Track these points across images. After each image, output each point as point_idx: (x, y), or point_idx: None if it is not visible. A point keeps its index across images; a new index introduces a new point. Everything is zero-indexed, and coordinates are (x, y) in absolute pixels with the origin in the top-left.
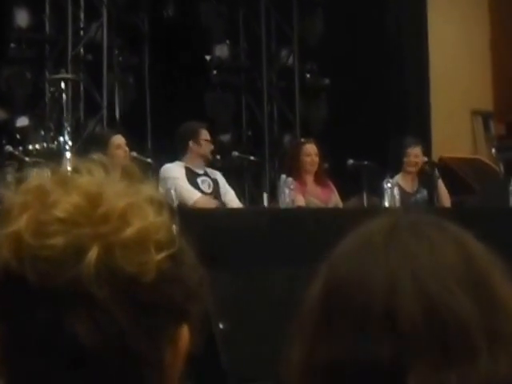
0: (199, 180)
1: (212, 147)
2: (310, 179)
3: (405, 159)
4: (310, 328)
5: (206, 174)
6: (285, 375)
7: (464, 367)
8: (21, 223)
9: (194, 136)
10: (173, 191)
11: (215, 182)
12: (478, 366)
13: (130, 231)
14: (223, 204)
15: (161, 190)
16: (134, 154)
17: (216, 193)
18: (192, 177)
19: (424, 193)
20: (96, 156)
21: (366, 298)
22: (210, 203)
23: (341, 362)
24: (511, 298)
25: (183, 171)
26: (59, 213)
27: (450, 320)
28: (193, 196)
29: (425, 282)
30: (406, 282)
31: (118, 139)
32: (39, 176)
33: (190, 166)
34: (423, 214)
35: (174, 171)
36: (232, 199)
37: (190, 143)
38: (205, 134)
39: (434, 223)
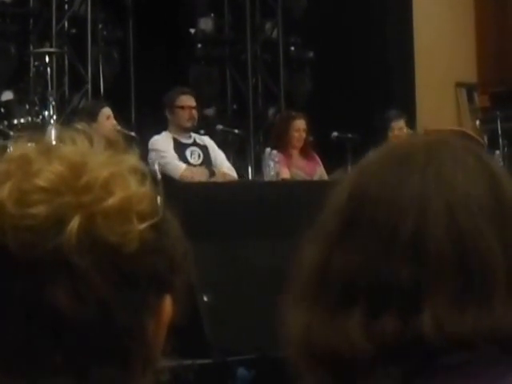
0: (188, 152)
1: (191, 114)
2: (295, 152)
3: (389, 133)
4: (329, 236)
5: (194, 143)
6: (297, 280)
7: (480, 308)
8: (3, 192)
9: (169, 104)
10: (157, 165)
11: (205, 150)
12: (493, 308)
13: (112, 201)
14: (213, 171)
15: (148, 161)
16: (118, 127)
17: (207, 161)
18: (180, 149)
19: None
20: (80, 126)
21: (396, 217)
22: (197, 174)
23: (357, 274)
24: None
25: (171, 143)
26: (42, 182)
27: (475, 256)
28: (178, 169)
29: (457, 214)
30: (438, 210)
31: (108, 111)
32: (22, 145)
33: (177, 137)
34: (464, 140)
35: (161, 144)
36: (222, 163)
37: (166, 112)
38: (180, 101)
39: (474, 152)
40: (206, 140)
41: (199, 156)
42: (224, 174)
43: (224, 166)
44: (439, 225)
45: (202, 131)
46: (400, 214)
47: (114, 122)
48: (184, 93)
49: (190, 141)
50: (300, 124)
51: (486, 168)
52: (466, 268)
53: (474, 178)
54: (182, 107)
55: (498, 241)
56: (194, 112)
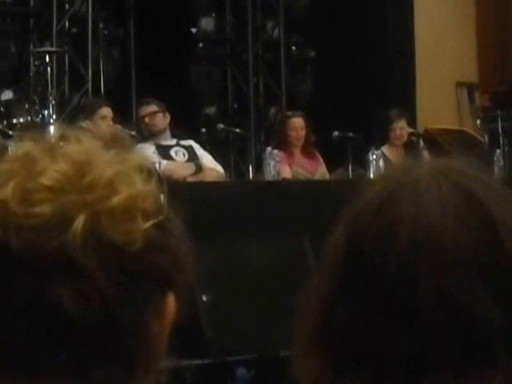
0: (172, 151)
1: (152, 121)
2: (297, 151)
3: (391, 133)
4: (327, 295)
5: (177, 144)
6: (303, 333)
7: (481, 376)
8: (7, 191)
9: (140, 116)
10: (157, 165)
11: (190, 149)
12: (496, 375)
13: (116, 199)
14: (199, 166)
15: None
16: (119, 126)
17: (193, 158)
18: (164, 150)
19: None
20: (84, 124)
21: (387, 284)
22: (180, 168)
23: (357, 338)
24: None
25: (153, 148)
26: (46, 181)
27: (471, 324)
28: (161, 166)
29: (448, 279)
30: (428, 275)
31: (106, 111)
32: (26, 144)
33: (159, 142)
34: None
35: (143, 150)
36: (209, 161)
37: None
38: (141, 111)
39: (466, 195)
40: (191, 142)
41: (184, 154)
42: (212, 170)
43: (211, 165)
44: (430, 291)
45: (203, 130)
46: (390, 281)
47: (111, 123)
48: (144, 103)
49: (173, 142)
50: (296, 122)
51: (483, 214)
52: (463, 336)
53: (467, 230)
54: (144, 116)
55: (495, 301)
56: (160, 115)
